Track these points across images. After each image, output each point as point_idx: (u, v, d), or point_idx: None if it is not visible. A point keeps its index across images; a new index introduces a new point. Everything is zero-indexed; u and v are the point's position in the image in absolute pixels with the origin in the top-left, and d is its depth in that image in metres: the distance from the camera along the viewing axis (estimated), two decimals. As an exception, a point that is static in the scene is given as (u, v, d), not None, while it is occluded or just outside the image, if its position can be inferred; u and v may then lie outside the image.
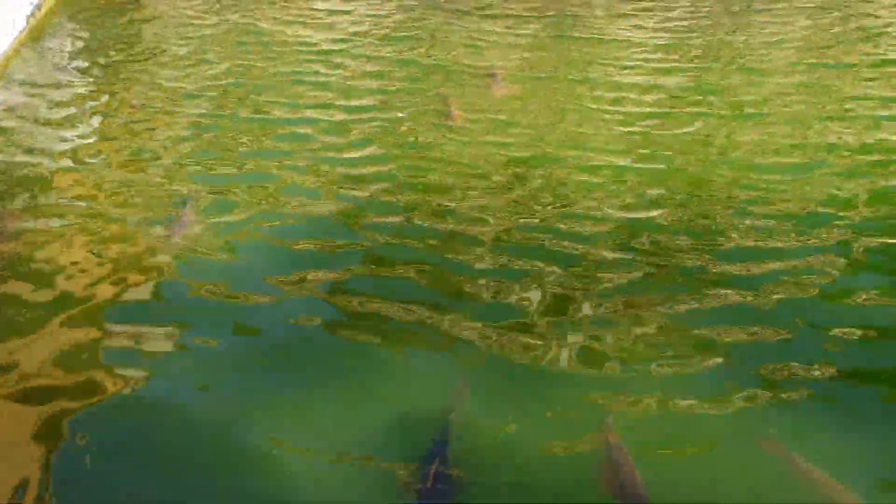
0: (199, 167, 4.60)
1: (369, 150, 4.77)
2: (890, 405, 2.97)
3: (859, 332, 3.24)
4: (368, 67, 5.96)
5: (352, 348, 3.22)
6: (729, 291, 3.48)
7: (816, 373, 3.04)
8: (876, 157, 4.71)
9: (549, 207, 4.15)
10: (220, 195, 4.26)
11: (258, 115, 5.25)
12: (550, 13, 7.20)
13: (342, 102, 5.40)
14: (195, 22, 7.06)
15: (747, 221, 4.00)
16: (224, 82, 5.76)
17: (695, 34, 6.71)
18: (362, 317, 3.38)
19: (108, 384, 2.99)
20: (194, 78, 5.84)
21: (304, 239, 3.90)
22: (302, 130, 5.00)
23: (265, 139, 4.92)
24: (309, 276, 3.61)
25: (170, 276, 3.66)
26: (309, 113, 5.26)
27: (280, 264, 3.71)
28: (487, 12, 7.15)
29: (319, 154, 4.72)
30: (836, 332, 3.25)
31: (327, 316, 3.38)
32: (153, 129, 5.07)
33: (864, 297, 3.48)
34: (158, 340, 3.23)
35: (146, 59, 6.23)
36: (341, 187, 4.37)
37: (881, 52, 6.42)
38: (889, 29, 6.89)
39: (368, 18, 7.01)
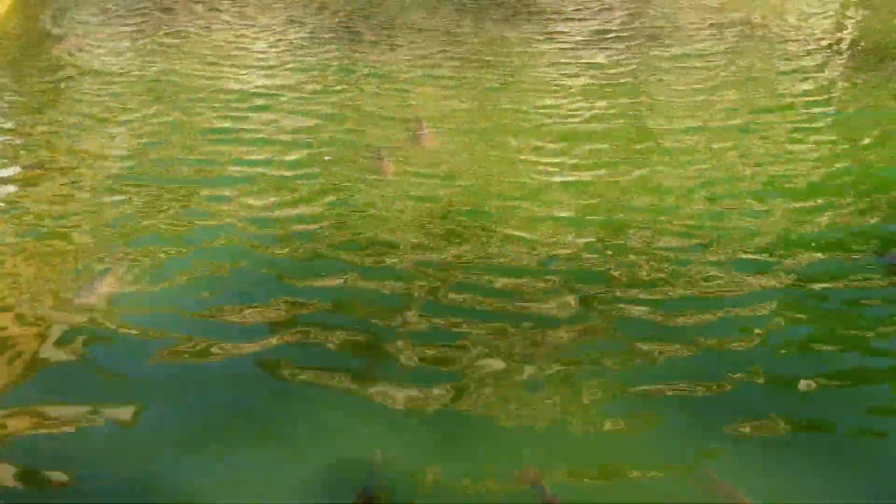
0: (115, 231, 4.35)
1: (298, 209, 4.60)
2: (831, 447, 3.01)
3: (799, 376, 3.30)
4: (295, 121, 5.73)
5: (276, 411, 3.11)
6: (673, 345, 3.48)
7: (757, 421, 3.08)
8: (817, 200, 4.73)
9: (481, 262, 4.07)
10: (139, 260, 4.05)
11: (180, 172, 5.01)
12: (483, 57, 7.06)
13: (268, 158, 5.18)
14: (113, 69, 6.66)
15: (684, 267, 4.03)
16: (144, 141, 5.45)
17: (625, 79, 6.67)
18: (288, 380, 3.27)
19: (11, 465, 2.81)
20: (112, 136, 5.51)
21: (227, 302, 3.75)
22: (226, 190, 4.79)
23: (188, 198, 4.69)
24: (233, 340, 3.47)
25: (81, 344, 3.47)
26: (233, 169, 5.05)
27: (201, 328, 3.56)
28: (416, 62, 6.95)
29: (243, 214, 4.53)
30: (775, 376, 3.30)
31: (251, 380, 3.27)
32: (65, 195, 4.75)
33: (802, 341, 3.55)
34: (69, 410, 3.06)
35: (58, 118, 5.82)
36: (267, 248, 4.21)
37: (806, 87, 6.50)
38: (806, 63, 7.00)
39: (294, 69, 6.73)
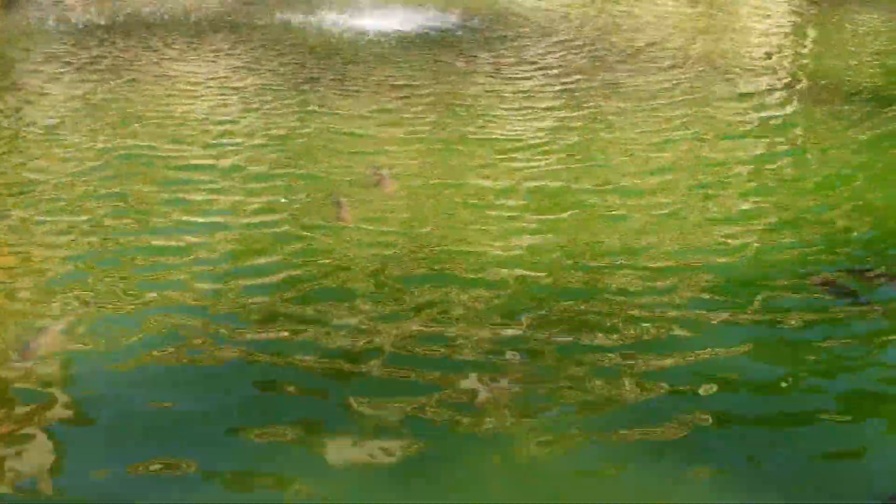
0: (59, 285, 4.15)
1: (254, 259, 4.47)
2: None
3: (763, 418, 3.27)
4: (251, 169, 5.57)
5: (226, 463, 2.99)
6: (642, 388, 3.42)
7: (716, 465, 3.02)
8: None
9: (441, 310, 3.98)
10: (83, 315, 3.87)
11: (130, 224, 4.81)
12: (443, 102, 7.01)
13: (222, 208, 5.01)
14: (59, 121, 6.37)
15: (649, 311, 3.99)
16: (91, 191, 5.20)
17: (586, 121, 6.71)
18: (238, 435, 3.14)
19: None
20: (59, 187, 5.26)
21: (175, 358, 3.58)
22: (177, 242, 4.62)
23: (138, 251, 4.51)
24: (181, 394, 3.34)
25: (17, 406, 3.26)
26: (186, 220, 4.86)
27: (149, 384, 3.41)
28: (375, 108, 6.86)
29: (195, 266, 4.36)
30: (738, 417, 3.28)
31: (200, 432, 3.13)
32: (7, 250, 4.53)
33: (763, 383, 3.51)
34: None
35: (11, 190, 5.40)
36: (220, 300, 4.04)
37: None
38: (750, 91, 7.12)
39: (251, 117, 6.58)
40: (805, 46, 10.13)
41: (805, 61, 9.27)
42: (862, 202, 5.43)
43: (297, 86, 7.31)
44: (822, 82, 8.16)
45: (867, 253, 4.80)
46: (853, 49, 9.90)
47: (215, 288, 4.18)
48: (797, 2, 12.81)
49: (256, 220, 4.90)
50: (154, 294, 4.09)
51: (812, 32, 10.88)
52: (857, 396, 3.52)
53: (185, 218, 4.89)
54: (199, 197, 5.15)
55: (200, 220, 4.87)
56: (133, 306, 3.98)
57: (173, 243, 4.61)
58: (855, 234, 5.00)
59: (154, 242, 4.62)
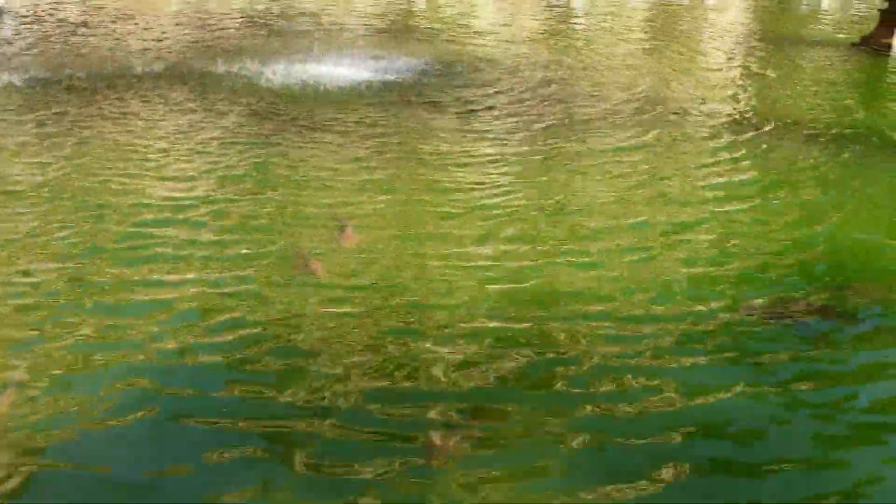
0: (12, 352, 3.96)
1: (217, 319, 4.31)
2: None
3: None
4: (212, 227, 5.41)
5: None
6: (605, 437, 3.40)
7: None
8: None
9: (404, 368, 3.90)
10: (42, 376, 3.74)
11: (83, 296, 4.55)
12: (405, 151, 6.96)
13: (181, 270, 4.84)
14: (10, 181, 6.08)
15: (615, 360, 3.99)
16: (42, 258, 5.01)
17: (550, 170, 6.69)
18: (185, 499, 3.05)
19: None
20: (9, 251, 5.05)
21: (129, 427, 3.45)
22: (139, 301, 4.46)
23: (91, 324, 4.29)
24: (132, 463, 3.24)
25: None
26: (149, 278, 4.69)
27: (101, 453, 3.29)
28: (336, 159, 6.79)
29: (157, 330, 4.20)
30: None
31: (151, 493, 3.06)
32: None
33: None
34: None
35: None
36: (183, 362, 3.92)
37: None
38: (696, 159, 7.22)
39: (209, 174, 6.39)
40: (763, 86, 10.33)
41: (764, 101, 9.43)
42: (833, 243, 5.49)
43: (261, 137, 7.20)
44: (782, 121, 8.32)
45: (842, 293, 4.83)
46: (811, 88, 10.15)
47: (177, 348, 4.05)
48: (754, 43, 13.20)
49: (221, 276, 4.77)
50: (113, 354, 3.96)
51: (769, 72, 11.13)
52: (829, 438, 3.56)
53: (148, 276, 4.73)
54: (161, 254, 5.00)
55: (163, 278, 4.72)
56: (91, 368, 3.86)
57: (134, 302, 4.46)
58: (827, 278, 5.04)
59: (114, 302, 4.45)
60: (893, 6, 12.20)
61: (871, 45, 12.39)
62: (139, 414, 3.52)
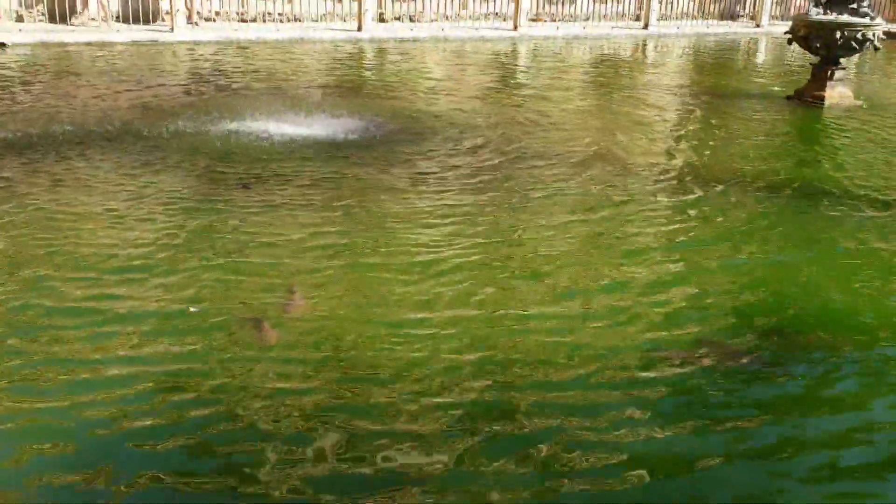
0: None
1: (168, 398, 4.14)
2: None
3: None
4: (159, 297, 5.24)
5: None
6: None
7: None
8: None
9: (356, 456, 3.78)
10: None
11: (13, 382, 4.36)
12: (357, 209, 6.92)
13: (120, 347, 4.65)
14: None
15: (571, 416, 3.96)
16: None
17: (498, 227, 6.74)
18: None
19: None
20: None
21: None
22: (80, 380, 4.26)
23: (30, 397, 4.12)
24: None
25: None
26: (92, 357, 4.48)
27: None
28: (286, 218, 6.71)
29: (97, 413, 4.00)
30: None
31: None
32: None
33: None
34: None
35: None
36: (125, 446, 3.73)
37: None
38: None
39: (152, 243, 6.19)
40: (704, 139, 10.63)
41: (706, 154, 9.70)
42: (780, 294, 5.61)
43: (206, 201, 7.03)
44: (724, 174, 8.56)
45: (783, 338, 4.99)
46: (749, 140, 10.49)
47: (110, 428, 3.85)
48: (693, 97, 13.64)
49: (169, 351, 4.59)
50: (46, 445, 3.74)
51: (711, 125, 11.48)
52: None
53: (92, 356, 4.51)
54: (107, 331, 4.79)
55: (107, 356, 4.51)
56: (27, 453, 3.64)
57: (75, 380, 4.25)
58: (766, 325, 5.16)
59: (50, 382, 4.22)
60: (823, 61, 12.78)
61: (804, 97, 12.92)
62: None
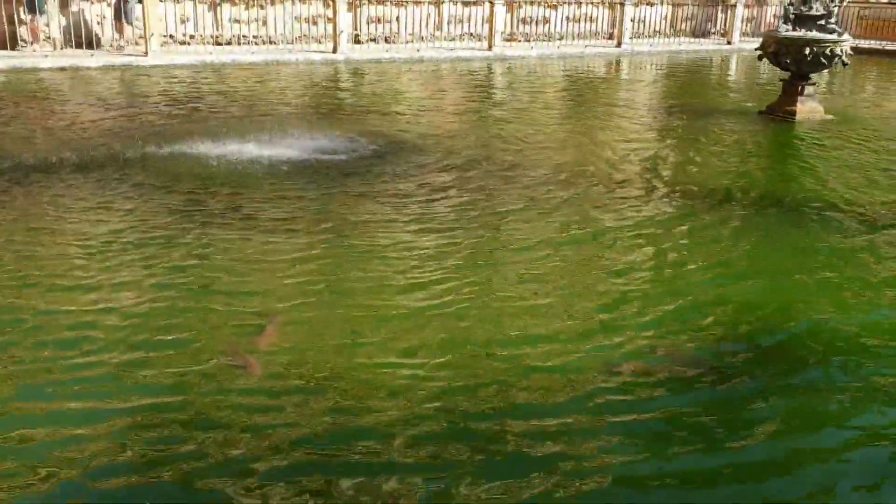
0: None
1: (147, 434, 4.03)
2: None
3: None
4: (136, 324, 5.15)
5: None
6: None
7: None
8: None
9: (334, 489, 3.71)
10: None
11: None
12: (336, 233, 6.87)
13: (107, 373, 4.57)
14: None
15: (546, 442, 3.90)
16: None
17: (476, 254, 6.71)
18: None
19: None
20: None
21: None
22: (54, 420, 4.14)
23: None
24: None
25: None
26: (74, 391, 4.37)
27: None
28: (265, 243, 6.63)
29: (77, 452, 3.89)
30: None
31: None
32: None
33: None
34: None
35: None
36: (107, 484, 3.62)
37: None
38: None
39: (130, 265, 6.16)
40: (680, 154, 10.72)
41: (682, 169, 9.78)
42: (757, 312, 5.61)
43: (182, 230, 6.91)
44: (700, 188, 8.66)
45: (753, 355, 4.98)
46: (723, 156, 10.60)
47: (90, 471, 3.74)
48: (668, 112, 13.80)
49: (139, 377, 4.50)
50: (20, 481, 3.62)
51: (684, 140, 11.59)
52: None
53: (73, 388, 4.38)
54: (81, 362, 4.66)
55: (85, 389, 4.39)
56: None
57: (49, 410, 4.13)
58: (733, 342, 5.18)
59: (21, 414, 4.10)
60: (793, 77, 13.00)
61: (776, 112, 13.13)
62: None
